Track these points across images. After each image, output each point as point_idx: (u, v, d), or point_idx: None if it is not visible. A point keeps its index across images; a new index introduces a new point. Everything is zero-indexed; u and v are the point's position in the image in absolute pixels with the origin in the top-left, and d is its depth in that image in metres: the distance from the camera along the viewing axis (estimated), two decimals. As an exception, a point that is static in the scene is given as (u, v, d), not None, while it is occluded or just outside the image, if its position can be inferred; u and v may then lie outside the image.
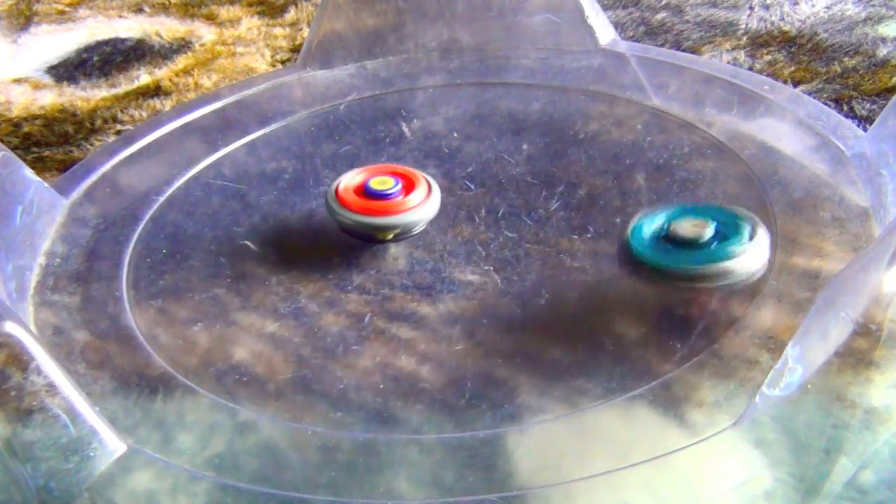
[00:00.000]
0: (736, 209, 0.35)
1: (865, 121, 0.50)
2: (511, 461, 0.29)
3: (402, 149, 0.46)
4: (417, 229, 0.39)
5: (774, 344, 0.32)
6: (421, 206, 0.38)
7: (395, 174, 0.39)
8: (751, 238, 0.34)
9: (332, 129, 0.48)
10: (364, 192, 0.39)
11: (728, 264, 0.33)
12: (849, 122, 0.43)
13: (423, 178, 0.39)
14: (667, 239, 0.35)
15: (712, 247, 0.34)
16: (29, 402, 0.28)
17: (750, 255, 0.33)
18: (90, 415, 0.29)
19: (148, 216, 0.43)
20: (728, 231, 0.34)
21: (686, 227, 0.34)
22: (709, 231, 0.34)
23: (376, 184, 0.39)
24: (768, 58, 0.58)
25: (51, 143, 0.58)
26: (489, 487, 0.28)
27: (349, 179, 0.39)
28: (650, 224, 0.35)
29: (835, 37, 0.59)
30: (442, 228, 0.40)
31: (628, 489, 0.28)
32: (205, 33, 0.70)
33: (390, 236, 0.38)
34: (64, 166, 0.54)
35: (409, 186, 0.39)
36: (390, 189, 0.38)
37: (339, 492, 0.29)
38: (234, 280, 0.38)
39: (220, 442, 0.31)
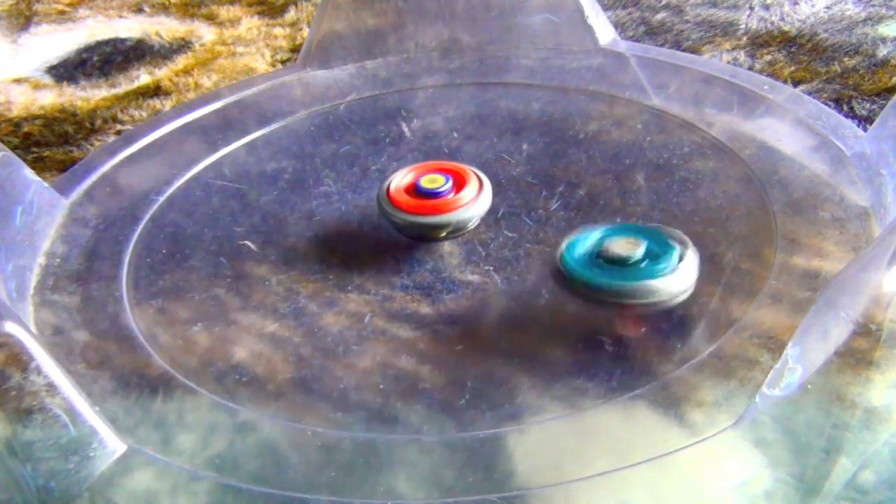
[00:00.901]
0: (669, 230, 0.35)
1: (865, 121, 0.50)
2: (511, 461, 0.29)
3: (402, 149, 0.46)
4: (471, 225, 0.38)
5: (774, 344, 0.32)
6: (473, 202, 0.38)
7: (445, 171, 0.39)
8: (680, 259, 0.34)
9: (332, 129, 0.48)
10: (415, 191, 0.38)
11: (655, 283, 0.33)
12: (849, 122, 0.43)
13: (472, 173, 0.39)
14: (599, 257, 0.35)
15: (642, 266, 0.34)
16: (29, 402, 0.28)
17: (677, 277, 0.34)
18: (90, 415, 0.29)
19: (148, 216, 0.43)
20: (659, 252, 0.34)
21: (618, 246, 0.34)
22: (640, 251, 0.34)
23: (427, 182, 0.38)
24: (768, 58, 0.58)
25: (51, 143, 0.58)
26: (489, 487, 0.28)
27: (399, 179, 0.39)
28: (584, 242, 0.36)
29: (835, 37, 0.59)
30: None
31: (628, 489, 0.28)
32: (205, 33, 0.70)
33: (443, 234, 0.38)
34: (64, 166, 0.54)
35: (459, 183, 0.38)
36: (441, 187, 0.38)
37: (339, 492, 0.29)
38: (234, 280, 0.38)
39: (220, 442, 0.31)
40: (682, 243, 0.34)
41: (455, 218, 0.37)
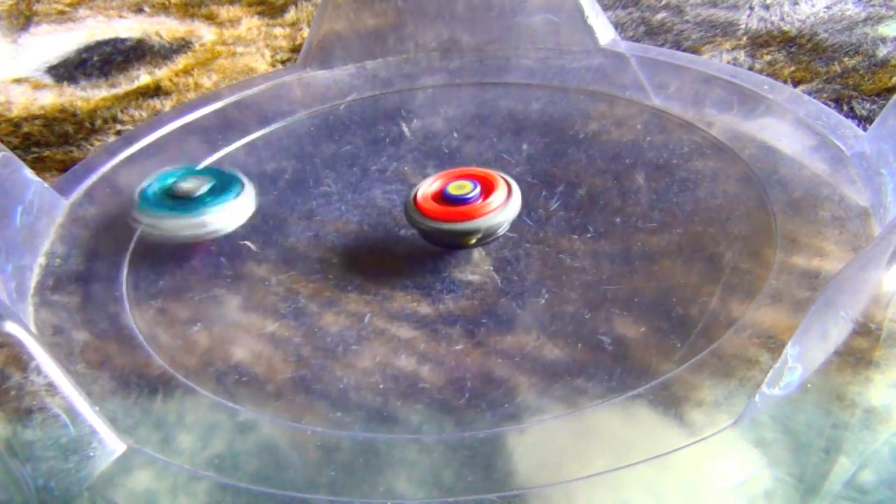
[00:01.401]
0: (233, 172, 0.40)
1: (865, 121, 0.50)
2: (511, 461, 0.29)
3: (402, 149, 0.46)
4: (501, 231, 0.37)
5: (774, 344, 0.32)
6: (502, 207, 0.37)
7: (472, 177, 0.38)
8: (236, 196, 0.38)
9: (332, 129, 0.48)
10: (443, 198, 0.37)
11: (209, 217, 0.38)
12: (849, 122, 0.43)
13: (501, 178, 0.38)
14: (169, 195, 0.39)
15: (205, 201, 0.38)
16: (29, 402, 0.28)
17: (230, 211, 0.38)
18: (90, 415, 0.29)
19: (148, 216, 0.42)
20: (222, 189, 0.39)
21: (184, 184, 0.38)
22: (203, 187, 0.38)
23: (455, 189, 0.37)
24: (768, 58, 0.58)
25: (51, 143, 0.58)
26: (489, 487, 0.28)
27: (426, 187, 0.38)
28: (160, 182, 0.40)
29: (835, 37, 0.59)
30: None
31: (628, 489, 0.28)
32: (205, 33, 0.70)
33: (473, 241, 0.37)
34: (64, 166, 0.54)
35: (488, 188, 0.38)
36: (469, 193, 0.37)
37: (339, 492, 0.29)
38: (234, 280, 0.38)
39: (220, 442, 0.31)
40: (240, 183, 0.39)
41: (485, 224, 0.37)
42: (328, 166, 0.45)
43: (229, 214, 0.38)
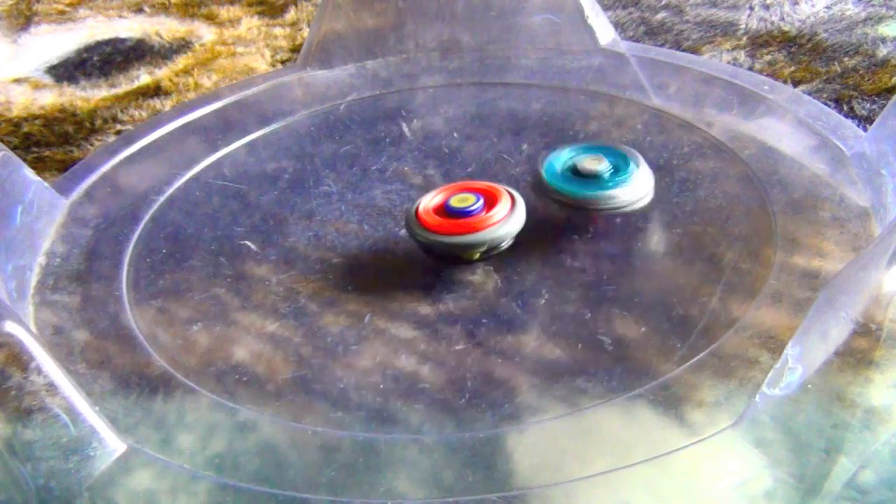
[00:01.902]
0: (627, 149, 0.40)
1: (865, 121, 0.50)
2: (511, 461, 0.29)
3: (402, 149, 0.46)
4: (505, 244, 0.37)
5: (774, 344, 0.32)
6: (506, 220, 0.36)
7: (475, 190, 0.37)
8: (636, 171, 0.39)
9: (332, 129, 0.48)
10: (445, 211, 0.37)
11: (617, 191, 0.38)
12: (849, 122, 0.43)
13: (505, 191, 0.37)
14: (573, 172, 0.39)
15: (606, 178, 0.38)
16: (29, 401, 0.28)
17: (634, 185, 0.38)
18: (90, 415, 0.29)
19: (148, 216, 0.43)
20: (619, 166, 0.39)
21: (587, 163, 0.39)
22: (605, 165, 0.39)
23: (457, 202, 0.37)
24: (768, 58, 0.58)
25: (51, 143, 0.58)
26: (489, 487, 0.28)
27: (428, 200, 0.37)
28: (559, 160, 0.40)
29: (835, 37, 0.59)
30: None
31: (628, 489, 0.28)
32: (205, 33, 0.70)
33: (476, 255, 0.36)
34: (64, 166, 0.54)
35: (491, 201, 0.37)
36: (472, 206, 0.36)
37: (339, 492, 0.29)
38: (234, 280, 0.38)
39: (220, 442, 0.31)
40: (636, 159, 0.39)
41: (488, 236, 0.36)
42: (328, 166, 0.45)
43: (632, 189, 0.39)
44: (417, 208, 0.37)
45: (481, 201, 0.37)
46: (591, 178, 0.38)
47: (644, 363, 0.32)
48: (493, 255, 0.37)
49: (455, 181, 0.42)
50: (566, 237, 0.38)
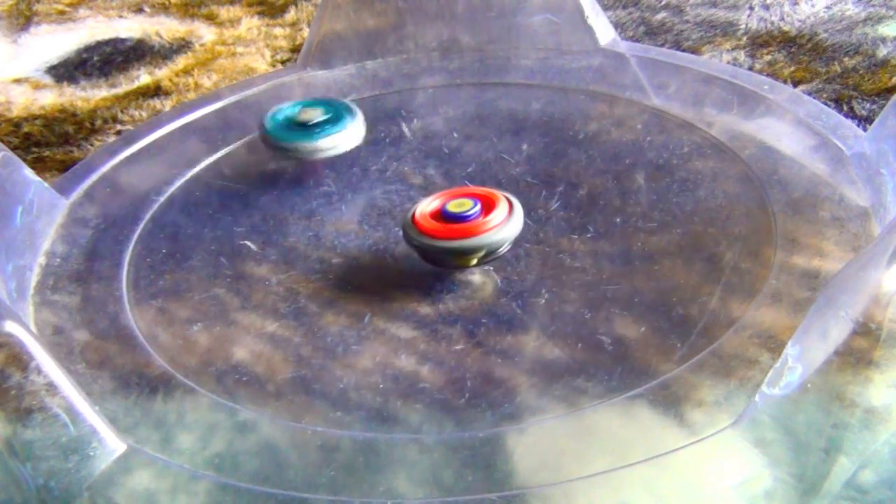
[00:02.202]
0: (345, 103, 0.45)
1: (865, 121, 0.50)
2: (511, 461, 0.29)
3: (402, 149, 0.46)
4: (503, 250, 0.36)
5: (774, 344, 0.32)
6: (503, 225, 0.36)
7: (472, 195, 0.37)
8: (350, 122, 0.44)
9: (332, 129, 0.48)
10: (442, 216, 0.36)
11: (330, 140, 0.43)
12: (849, 122, 0.43)
13: (502, 196, 0.37)
14: (294, 123, 0.44)
15: (324, 128, 0.43)
16: (29, 401, 0.28)
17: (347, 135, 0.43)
18: (90, 414, 0.29)
19: (148, 216, 0.43)
20: (335, 117, 0.44)
21: (304, 114, 0.44)
22: (319, 116, 0.43)
23: (454, 206, 0.36)
24: (768, 58, 0.58)
25: (51, 143, 0.58)
26: (489, 487, 0.28)
27: (425, 205, 0.37)
28: (284, 112, 0.44)
29: (835, 37, 0.59)
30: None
31: (628, 488, 0.28)
32: (205, 33, 0.70)
33: (474, 261, 0.36)
34: (64, 166, 0.54)
35: (488, 206, 0.36)
36: (469, 210, 0.36)
37: (339, 492, 0.29)
38: (234, 280, 0.38)
39: (220, 442, 0.31)
40: (352, 111, 0.44)
41: (486, 241, 0.35)
42: (328, 166, 0.45)
43: (345, 138, 0.43)
44: (414, 213, 0.37)
45: (479, 206, 0.36)
46: (306, 127, 0.43)
47: (644, 363, 0.32)
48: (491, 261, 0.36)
49: (455, 181, 0.42)
50: (566, 238, 0.38)
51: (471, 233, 0.35)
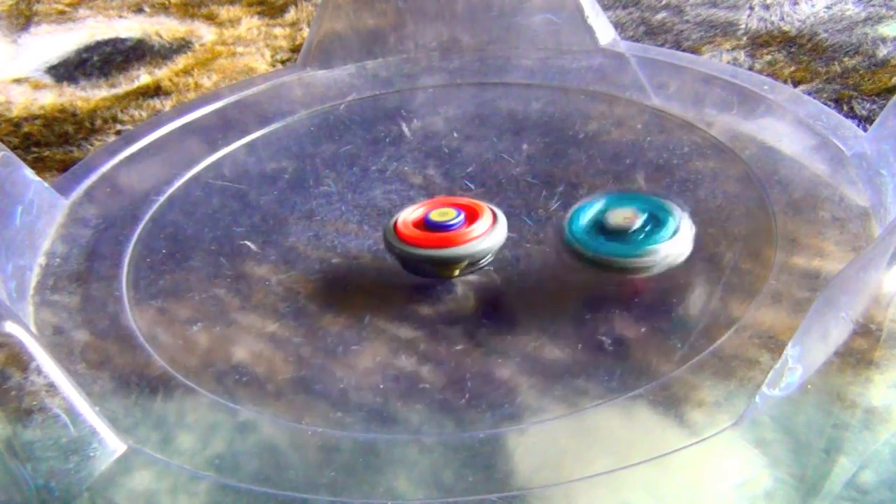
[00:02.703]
0: (664, 200, 0.36)
1: (865, 121, 0.50)
2: (511, 461, 0.29)
3: (402, 149, 0.46)
4: (485, 262, 0.36)
5: (774, 344, 0.32)
6: (487, 235, 0.35)
7: (456, 205, 0.37)
8: (675, 231, 0.35)
9: (332, 129, 0.48)
10: (425, 225, 0.36)
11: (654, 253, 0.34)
12: (849, 122, 0.43)
13: (486, 207, 0.37)
14: (601, 229, 0.35)
15: (640, 237, 0.35)
16: (29, 402, 0.28)
17: (674, 245, 0.34)
18: (90, 415, 0.29)
19: (148, 216, 0.43)
20: (657, 221, 0.35)
21: (617, 218, 0.35)
22: (638, 221, 0.35)
23: (437, 216, 0.36)
24: (768, 58, 0.58)
25: (51, 143, 0.58)
26: (489, 487, 0.28)
27: (407, 214, 0.37)
28: (585, 214, 0.36)
29: (835, 37, 0.59)
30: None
31: (628, 489, 0.28)
32: (205, 33, 0.70)
33: (457, 272, 0.36)
34: (64, 166, 0.54)
35: (472, 217, 0.36)
36: (452, 220, 0.36)
37: (339, 492, 0.29)
38: (234, 280, 0.38)
39: (220, 442, 0.31)
40: (676, 212, 0.35)
41: (469, 251, 0.35)
42: (328, 166, 0.45)
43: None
44: (396, 222, 0.36)
45: (462, 216, 0.36)
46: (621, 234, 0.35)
47: (644, 363, 0.32)
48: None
49: (455, 181, 0.42)
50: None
51: (454, 242, 0.35)
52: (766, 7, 0.64)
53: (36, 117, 0.60)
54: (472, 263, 0.36)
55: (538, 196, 0.41)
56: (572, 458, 0.29)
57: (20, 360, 0.28)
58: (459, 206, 0.37)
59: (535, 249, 0.38)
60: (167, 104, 0.60)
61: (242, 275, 0.39)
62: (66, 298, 0.38)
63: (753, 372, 0.31)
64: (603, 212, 0.36)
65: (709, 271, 0.36)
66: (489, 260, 0.36)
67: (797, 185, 0.39)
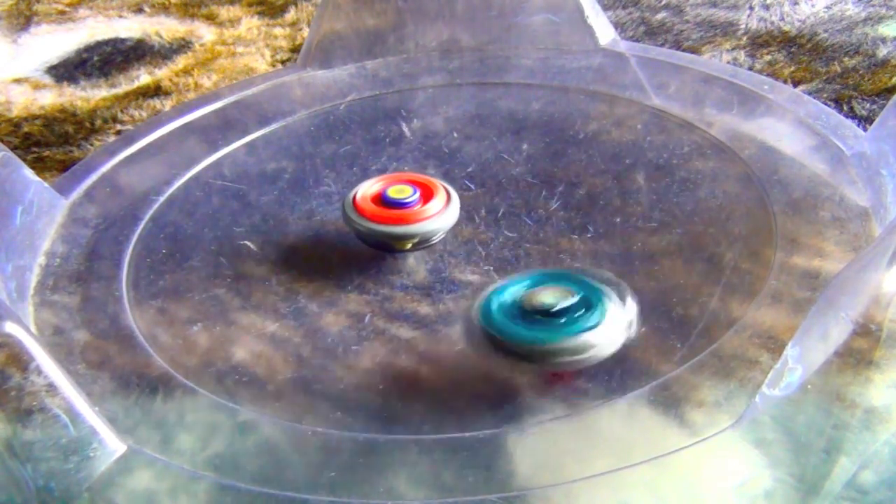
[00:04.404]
0: (603, 277, 0.32)
1: (865, 121, 0.50)
2: (511, 461, 0.29)
3: (402, 149, 0.46)
4: (436, 239, 0.38)
5: (774, 344, 0.32)
6: (439, 214, 0.37)
7: (413, 183, 0.38)
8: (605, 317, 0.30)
9: (332, 129, 0.48)
10: (382, 200, 0.38)
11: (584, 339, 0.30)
12: (849, 122, 0.43)
13: (441, 186, 0.38)
14: (521, 310, 0.31)
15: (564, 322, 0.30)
16: (29, 402, 0.28)
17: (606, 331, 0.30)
18: (90, 415, 0.29)
19: (148, 216, 0.43)
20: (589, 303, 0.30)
21: (541, 297, 0.31)
22: (567, 301, 0.30)
23: (394, 192, 0.38)
24: (768, 58, 0.58)
25: (51, 143, 0.58)
26: (489, 487, 0.28)
27: (367, 188, 0.39)
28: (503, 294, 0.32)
29: (835, 37, 0.59)
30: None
31: (629, 489, 0.28)
32: (205, 33, 0.70)
33: (408, 246, 0.38)
34: (64, 166, 0.54)
35: (427, 195, 0.38)
36: (408, 198, 0.38)
37: (339, 492, 0.29)
38: (234, 280, 0.38)
39: (220, 442, 0.31)
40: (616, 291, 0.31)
41: (421, 229, 0.37)
42: (328, 166, 0.45)
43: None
44: (355, 196, 0.38)
45: (418, 194, 0.38)
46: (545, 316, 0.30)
47: (644, 363, 0.32)
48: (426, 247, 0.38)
49: (455, 181, 0.42)
50: (566, 238, 0.38)
51: (407, 220, 0.37)
52: (766, 7, 0.64)
53: (36, 117, 0.60)
54: (425, 240, 0.38)
55: (538, 196, 0.41)
56: (572, 458, 0.29)
57: (20, 360, 0.28)
58: (416, 184, 0.38)
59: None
60: (167, 104, 0.60)
61: (242, 275, 0.38)
62: (66, 298, 0.38)
63: (753, 372, 0.31)
64: (526, 291, 0.31)
65: (709, 271, 0.36)
66: (441, 236, 0.38)
67: (797, 184, 0.39)
